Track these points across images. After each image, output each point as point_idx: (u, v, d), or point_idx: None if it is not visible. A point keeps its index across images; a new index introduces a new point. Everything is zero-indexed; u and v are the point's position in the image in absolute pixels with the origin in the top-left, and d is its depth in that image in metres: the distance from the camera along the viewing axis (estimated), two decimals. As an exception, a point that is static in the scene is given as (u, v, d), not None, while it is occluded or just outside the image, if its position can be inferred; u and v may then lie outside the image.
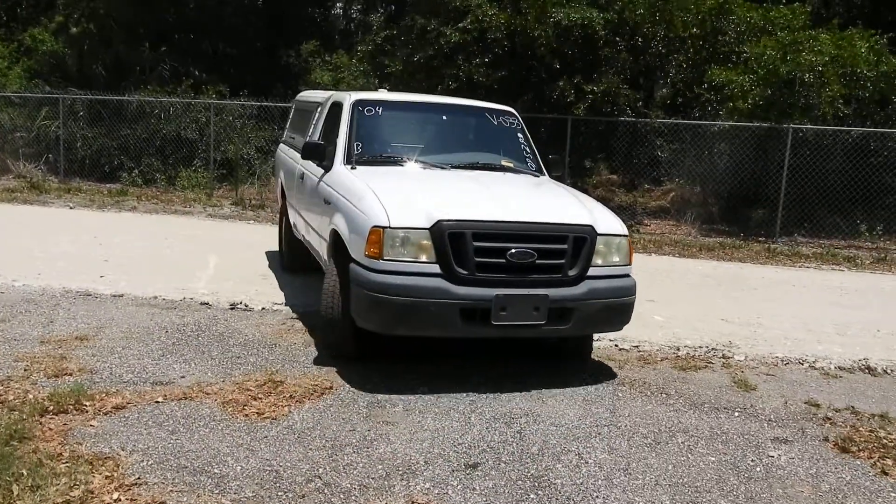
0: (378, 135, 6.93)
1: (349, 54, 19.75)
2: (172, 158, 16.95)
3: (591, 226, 5.47)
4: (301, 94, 10.38)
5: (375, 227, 5.18)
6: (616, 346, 6.55)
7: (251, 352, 5.89)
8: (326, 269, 6.05)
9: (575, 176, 14.72)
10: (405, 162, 6.61)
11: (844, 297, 9.03)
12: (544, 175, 7.03)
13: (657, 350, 6.47)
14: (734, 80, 13.49)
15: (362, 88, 17.34)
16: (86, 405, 4.70)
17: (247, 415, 4.70)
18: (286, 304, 7.41)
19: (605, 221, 5.64)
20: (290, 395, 5.01)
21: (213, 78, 18.39)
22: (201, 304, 7.31)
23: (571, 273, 5.34)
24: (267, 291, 7.91)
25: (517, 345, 6.33)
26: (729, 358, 6.36)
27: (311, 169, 7.12)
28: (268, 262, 9.44)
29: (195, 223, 12.82)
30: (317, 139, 7.33)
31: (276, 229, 10.23)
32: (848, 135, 13.14)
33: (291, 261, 8.85)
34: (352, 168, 6.37)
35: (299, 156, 7.83)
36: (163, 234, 11.13)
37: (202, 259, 9.51)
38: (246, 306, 7.26)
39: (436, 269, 5.14)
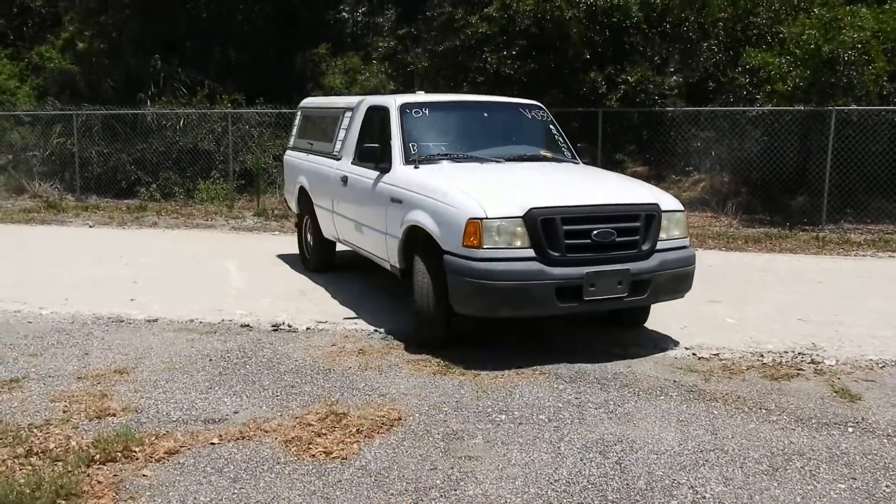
0: (429, 135, 7.24)
1: (360, 56, 19.29)
2: (190, 171, 16.51)
3: (656, 204, 6.07)
4: (307, 101, 10.38)
5: (472, 218, 5.55)
6: (694, 354, 6.05)
7: (305, 379, 5.42)
8: (392, 266, 6.71)
9: (607, 169, 14.23)
10: (461, 158, 6.96)
11: (917, 287, 8.51)
12: (580, 162, 7.64)
13: (740, 358, 5.96)
14: (771, 61, 12.93)
15: (375, 90, 16.88)
16: (135, 451, 4.25)
17: (314, 455, 4.23)
18: (331, 323, 6.94)
19: (667, 199, 6.28)
20: (357, 430, 4.54)
21: (227, 86, 17.95)
22: (242, 326, 6.86)
23: (644, 248, 5.87)
24: (308, 308, 7.45)
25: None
26: (819, 363, 5.84)
27: (360, 172, 7.40)
28: (304, 276, 8.99)
29: (219, 237, 12.40)
30: (355, 143, 7.71)
31: (303, 240, 9.86)
32: (894, 114, 12.54)
33: (318, 261, 9.10)
34: (415, 167, 6.70)
35: (335, 161, 8.25)
36: (188, 250, 10.70)
37: (233, 275, 9.08)
38: (289, 327, 6.80)
39: (530, 253, 5.57)
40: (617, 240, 5.73)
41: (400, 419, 4.72)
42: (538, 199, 5.68)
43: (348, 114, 8.21)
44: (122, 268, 9.44)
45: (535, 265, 5.53)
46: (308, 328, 6.78)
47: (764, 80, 13.29)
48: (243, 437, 4.46)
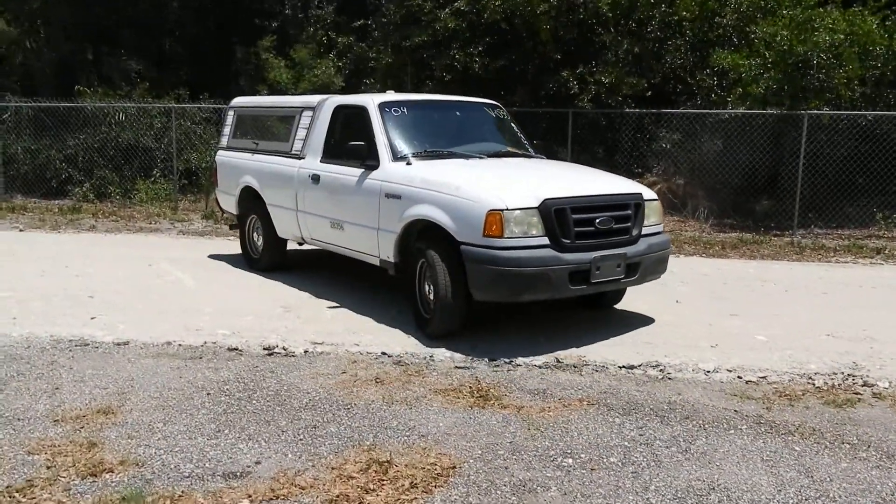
0: (410, 133, 7.36)
1: (309, 50, 18.43)
2: (127, 169, 15.39)
3: (640, 193, 6.62)
4: (239, 100, 10.06)
5: (493, 210, 5.80)
6: (740, 377, 5.57)
7: (326, 417, 4.72)
8: (383, 261, 6.90)
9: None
10: (445, 155, 7.14)
11: (924, 297, 8.27)
12: (543, 157, 8.11)
13: (790, 381, 5.51)
14: (742, 63, 12.70)
15: (325, 86, 16.09)
16: (151, 520, 3.50)
17: (370, 519, 3.56)
18: (329, 343, 6.24)
19: (646, 189, 6.84)
20: (411, 483, 3.88)
21: (169, 80, 16.85)
22: (229, 349, 6.08)
23: (634, 234, 6.41)
24: (298, 327, 6.72)
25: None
26: (871, 385, 5.44)
27: (337, 170, 7.48)
28: (278, 284, 8.26)
29: (170, 243, 11.44)
30: (323, 142, 7.88)
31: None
32: (864, 118, 12.46)
33: (269, 261, 9.01)
34: (407, 164, 6.85)
35: (296, 160, 8.19)
36: (142, 259, 9.75)
37: (201, 289, 8.23)
38: (285, 350, 6.07)
39: (545, 241, 5.93)
40: (614, 227, 6.22)
41: (454, 467, 4.07)
42: (549, 191, 6.04)
43: (308, 112, 8.28)
44: (71, 279, 8.48)
45: (551, 252, 5.89)
46: (306, 351, 6.06)
47: (734, 82, 13.07)
48: (277, 497, 3.74)
